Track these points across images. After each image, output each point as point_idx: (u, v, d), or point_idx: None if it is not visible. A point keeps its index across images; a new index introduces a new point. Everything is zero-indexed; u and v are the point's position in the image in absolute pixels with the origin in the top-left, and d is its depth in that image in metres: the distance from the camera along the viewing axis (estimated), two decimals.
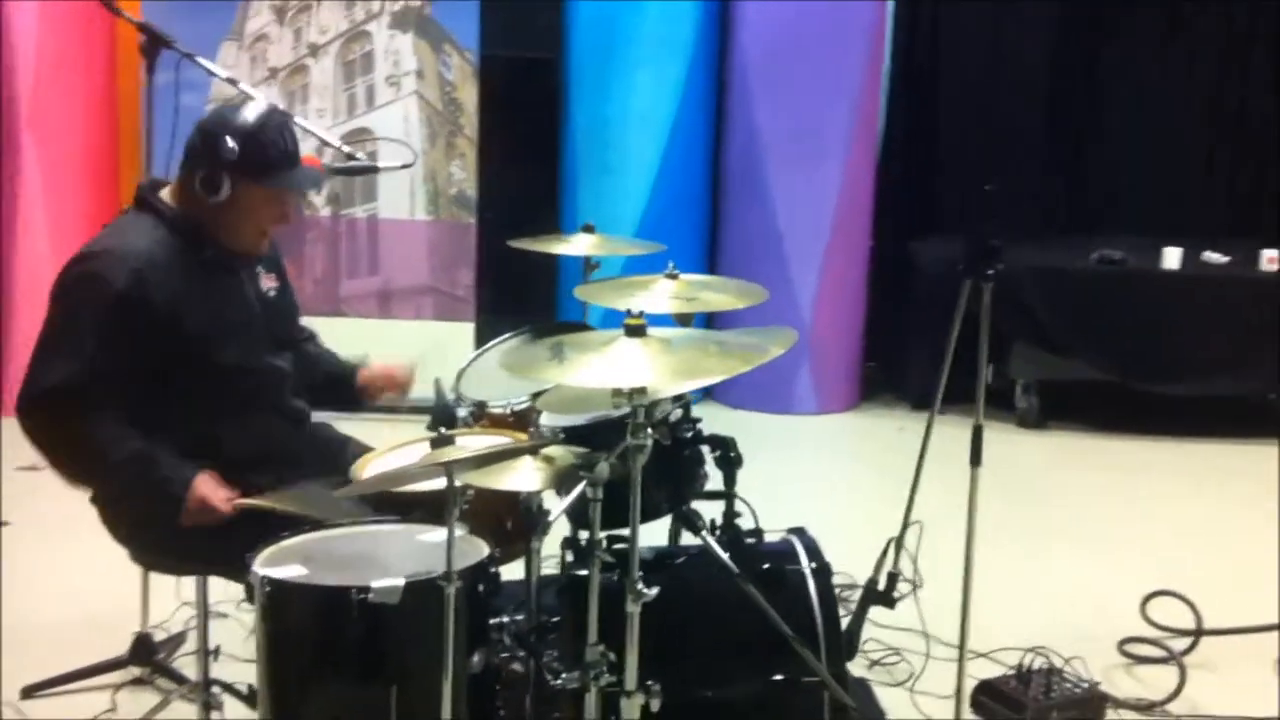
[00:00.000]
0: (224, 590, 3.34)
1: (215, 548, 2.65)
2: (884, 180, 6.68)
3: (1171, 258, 6.09)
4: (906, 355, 6.60)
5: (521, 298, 6.74)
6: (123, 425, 2.63)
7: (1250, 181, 7.13)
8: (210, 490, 2.63)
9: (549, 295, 6.64)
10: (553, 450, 2.62)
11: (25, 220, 5.79)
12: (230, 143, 2.67)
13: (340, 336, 3.32)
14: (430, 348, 5.83)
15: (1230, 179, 7.16)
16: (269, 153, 2.69)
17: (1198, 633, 3.63)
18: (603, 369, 2.23)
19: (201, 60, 3.48)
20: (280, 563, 2.45)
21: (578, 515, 2.90)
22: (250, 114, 2.73)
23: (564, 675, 2.51)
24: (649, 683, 2.39)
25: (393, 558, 2.53)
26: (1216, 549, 4.63)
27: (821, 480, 5.54)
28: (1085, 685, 3.30)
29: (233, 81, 3.42)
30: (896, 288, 6.79)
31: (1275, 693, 3.48)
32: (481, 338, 5.89)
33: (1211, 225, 7.02)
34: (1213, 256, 6.21)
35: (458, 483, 2.29)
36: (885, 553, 3.30)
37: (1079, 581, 4.29)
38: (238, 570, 2.52)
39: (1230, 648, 3.68)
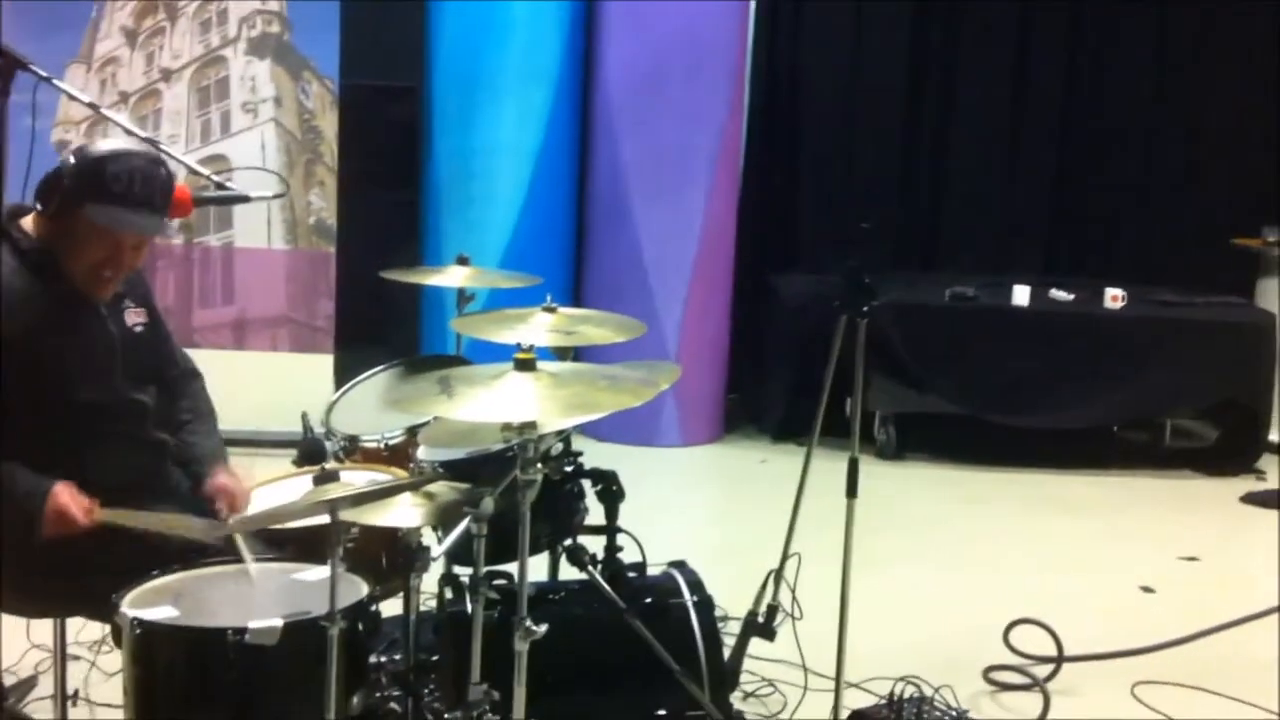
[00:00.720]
0: (77, 632, 3.22)
1: (76, 588, 2.54)
2: (744, 213, 6.77)
3: (1021, 295, 6.29)
4: (766, 388, 6.70)
5: (382, 329, 6.64)
6: None
7: (1097, 221, 7.43)
8: (69, 499, 2.53)
9: (411, 327, 6.56)
10: (432, 485, 2.57)
11: None
12: (72, 160, 2.60)
13: None
14: (288, 380, 5.77)
15: (1078, 218, 7.45)
16: (103, 183, 2.58)
17: (1059, 659, 3.72)
18: (493, 403, 2.20)
19: (60, 83, 3.35)
20: (150, 603, 2.35)
21: (454, 551, 2.86)
22: (111, 145, 2.65)
23: (446, 715, 2.46)
24: None
25: (266, 597, 2.45)
26: (1070, 576, 4.77)
27: (689, 512, 5.57)
28: (954, 713, 3.35)
29: (94, 106, 3.29)
30: (756, 320, 6.89)
31: (1135, 716, 3.58)
32: (341, 370, 5.79)
33: (1059, 264, 7.31)
34: (1059, 294, 6.43)
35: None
36: (765, 584, 3.31)
37: (943, 610, 4.38)
38: (102, 611, 2.41)
39: (1090, 673, 3.79)
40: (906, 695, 3.35)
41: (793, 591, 3.30)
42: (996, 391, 6.26)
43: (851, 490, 2.94)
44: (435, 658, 2.89)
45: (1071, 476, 6.18)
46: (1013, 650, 3.84)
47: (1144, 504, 5.82)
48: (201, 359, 3.14)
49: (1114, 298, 6.29)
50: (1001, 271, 6.89)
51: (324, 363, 5.94)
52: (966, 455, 6.34)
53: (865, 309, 2.94)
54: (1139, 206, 7.43)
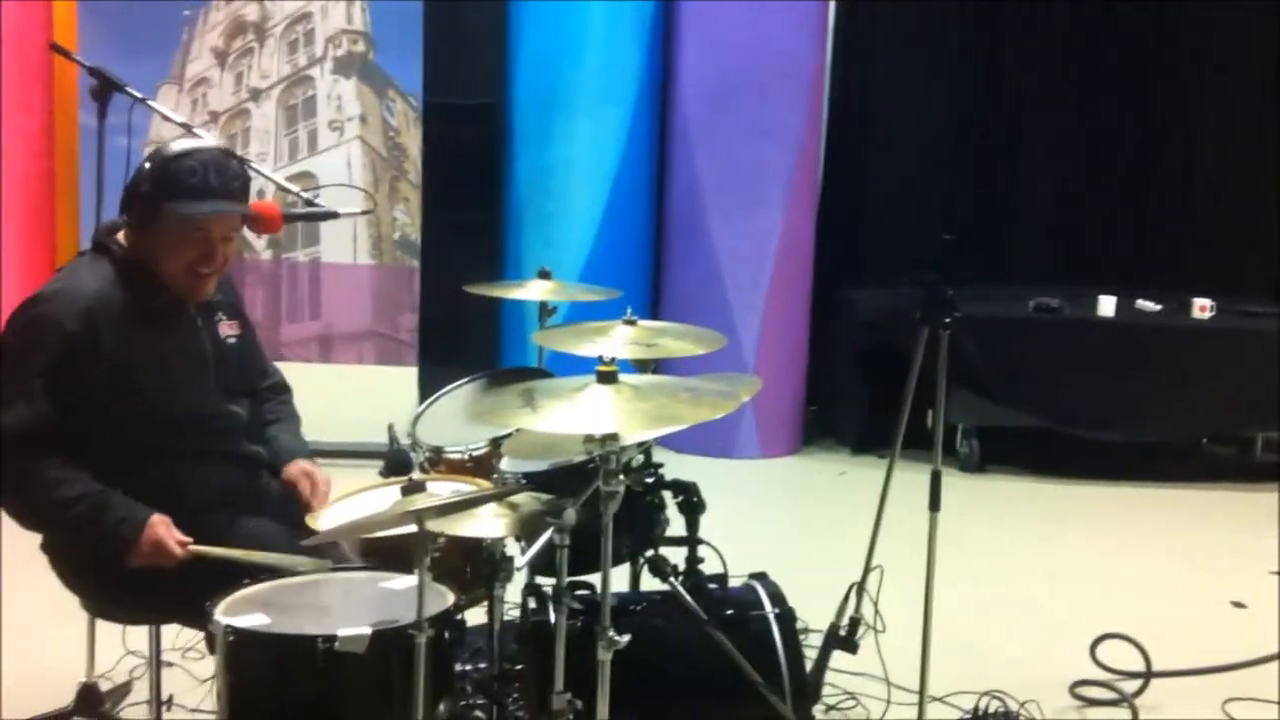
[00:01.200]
0: (171, 639, 3.30)
1: (171, 596, 2.60)
2: (821, 227, 6.76)
3: (1106, 306, 6.21)
4: (844, 400, 6.68)
5: (464, 343, 6.72)
6: (75, 468, 2.59)
7: (1184, 231, 7.30)
8: (164, 533, 2.59)
9: (492, 340, 6.63)
10: (516, 496, 2.60)
11: None
12: (147, 165, 2.67)
13: None
14: (373, 393, 5.86)
15: (1164, 228, 7.33)
16: (179, 178, 2.64)
17: (1148, 675, 3.67)
18: (576, 415, 2.23)
19: (154, 104, 3.46)
20: (241, 611, 2.41)
21: (536, 562, 2.89)
22: (179, 145, 2.72)
23: None
24: None
25: (354, 605, 2.50)
26: (1158, 592, 4.70)
27: (769, 524, 5.56)
28: None
29: (186, 126, 3.39)
30: (833, 333, 6.87)
31: None
32: (424, 382, 5.87)
33: (1145, 274, 7.19)
34: (1146, 305, 6.34)
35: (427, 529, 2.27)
36: (847, 597, 3.31)
37: (1028, 624, 4.33)
38: (195, 618, 2.48)
39: (1179, 689, 3.72)
40: (991, 710, 3.33)
41: (875, 604, 3.30)
42: (1081, 404, 6.18)
43: (935, 503, 2.93)
44: (518, 667, 2.92)
45: (1158, 490, 6.07)
46: (1100, 665, 3.79)
47: (1234, 518, 5.70)
48: (289, 372, 3.21)
49: (1202, 308, 6.19)
50: (1080, 284, 6.81)
51: (408, 375, 6.02)
52: (1050, 468, 6.26)
53: (947, 321, 2.93)
54: (1224, 216, 7.28)
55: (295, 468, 2.92)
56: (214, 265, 2.76)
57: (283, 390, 3.12)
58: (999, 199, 7.30)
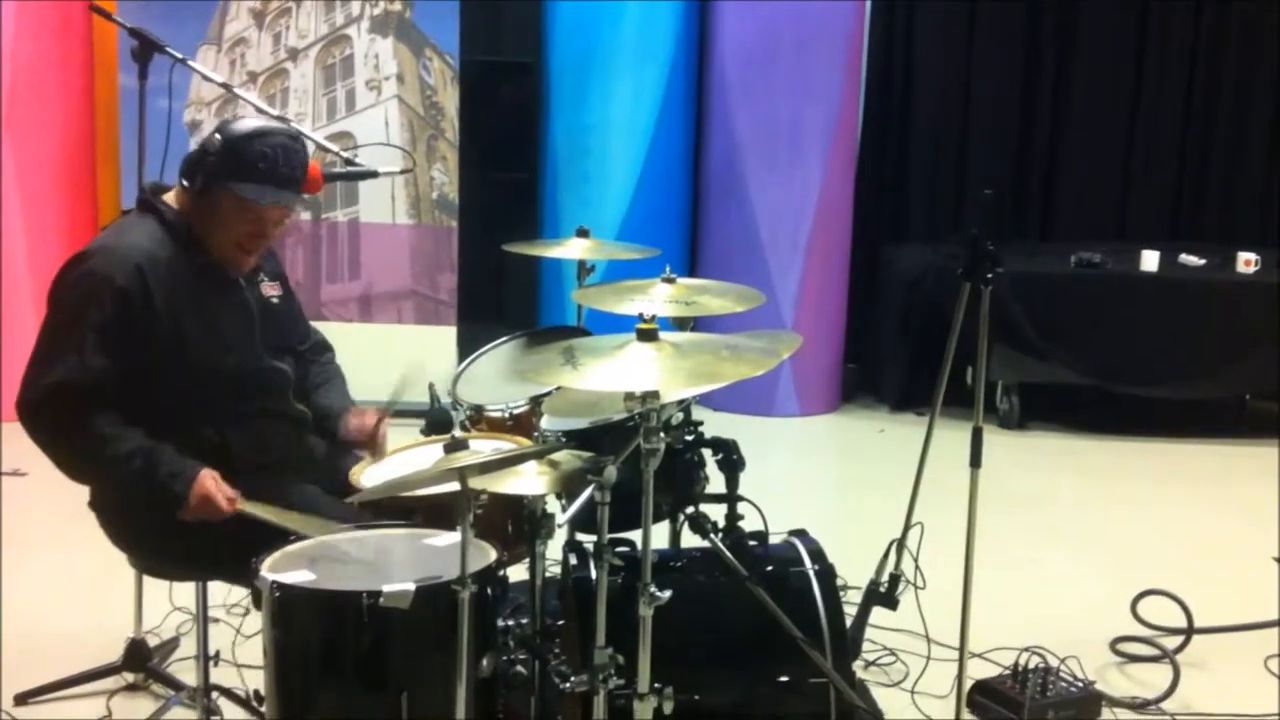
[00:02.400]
0: (216, 595, 3.35)
1: (218, 552, 2.63)
2: (861, 185, 6.72)
3: (1149, 260, 6.15)
4: (883, 358, 6.66)
5: (502, 302, 6.75)
6: (124, 423, 2.62)
7: (1227, 184, 7.20)
8: (213, 488, 2.62)
9: (530, 299, 6.65)
10: (557, 454, 2.61)
11: (1, 224, 5.73)
12: (217, 138, 2.68)
13: None
14: (413, 352, 5.89)
15: (1207, 181, 7.23)
16: (249, 161, 2.66)
17: (1189, 631, 3.66)
18: (617, 373, 2.23)
19: (194, 64, 3.47)
20: (287, 568, 2.43)
21: (576, 519, 2.90)
22: (252, 124, 2.72)
23: (572, 678, 2.50)
24: (657, 685, 2.39)
25: (398, 562, 2.52)
26: (1200, 548, 4.68)
27: (808, 482, 5.57)
28: (1080, 684, 3.32)
29: (227, 86, 3.41)
30: (872, 291, 6.84)
31: (1267, 690, 3.51)
32: (463, 341, 5.90)
33: (1189, 228, 7.11)
34: (1190, 259, 6.27)
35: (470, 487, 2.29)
36: (887, 554, 3.31)
37: (1068, 581, 4.33)
38: (240, 575, 2.51)
39: (1222, 646, 3.71)
40: (1031, 666, 3.33)
41: (915, 561, 3.30)
42: (1123, 360, 6.14)
43: (975, 460, 2.92)
44: (559, 622, 2.94)
45: (1201, 446, 6.04)
46: (1141, 622, 3.78)
47: (1276, 474, 5.66)
48: (329, 332, 3.23)
49: (1246, 262, 6.11)
50: (1123, 238, 6.74)
51: (447, 335, 6.05)
52: (1091, 425, 6.23)
53: (989, 276, 2.90)
54: (1270, 169, 7.18)
55: (352, 424, 2.96)
56: (263, 245, 2.82)
57: (325, 349, 3.15)
58: (1041, 154, 7.22)
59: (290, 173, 2.70)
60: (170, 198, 2.78)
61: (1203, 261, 6.25)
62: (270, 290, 2.91)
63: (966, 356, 3.09)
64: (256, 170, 2.66)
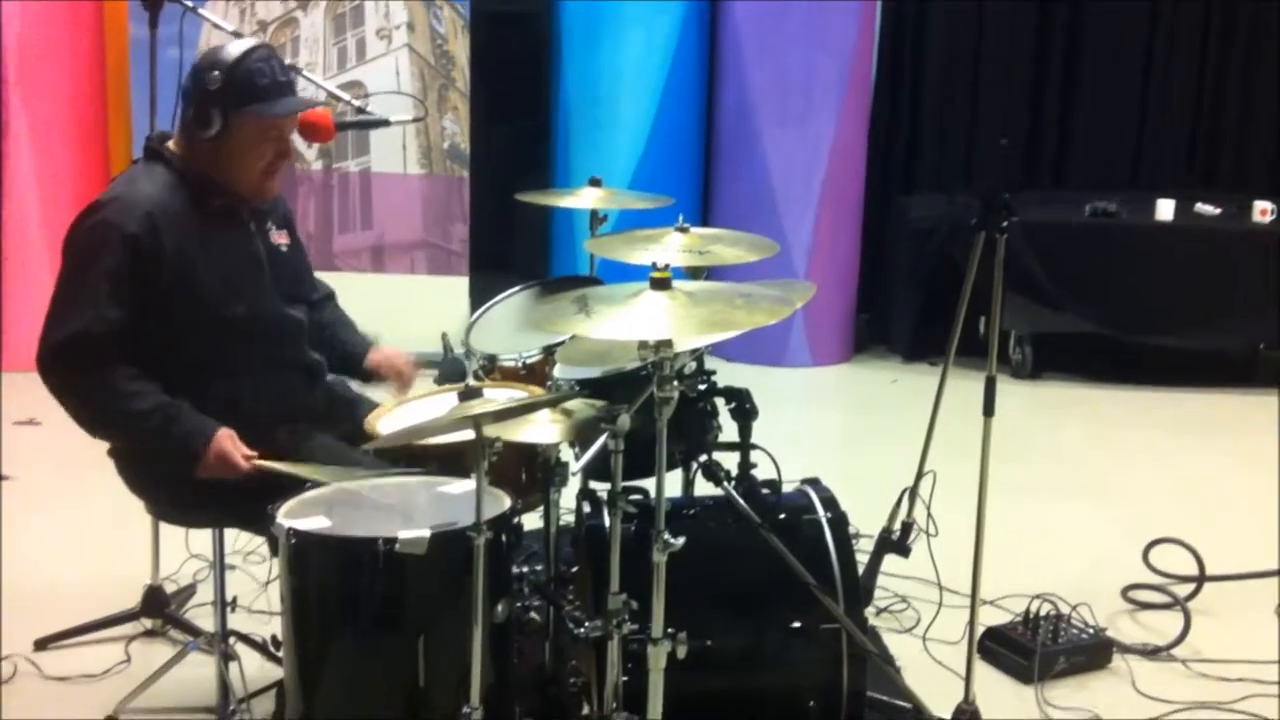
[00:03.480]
0: (232, 543, 3.38)
1: (235, 500, 2.65)
2: (874, 134, 6.68)
3: (1165, 209, 6.11)
4: (896, 308, 6.65)
5: (514, 252, 6.74)
6: (143, 378, 2.62)
7: (1243, 132, 7.14)
8: (230, 447, 2.62)
9: (542, 249, 6.63)
10: (570, 403, 2.62)
11: (12, 179, 5.74)
12: (215, 74, 2.66)
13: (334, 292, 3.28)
14: (425, 302, 5.90)
15: (1223, 130, 7.17)
16: (254, 80, 2.67)
17: (1200, 579, 3.67)
18: (631, 322, 2.23)
19: (204, 12, 3.45)
20: (303, 515, 2.45)
21: (589, 468, 2.92)
22: (234, 49, 2.71)
23: (586, 624, 2.52)
24: (670, 630, 2.41)
25: (414, 509, 2.54)
26: (1212, 497, 4.68)
27: (820, 432, 5.58)
28: (1091, 631, 3.34)
29: (238, 35, 3.38)
30: (884, 241, 6.82)
31: (1277, 637, 3.52)
32: (475, 291, 5.90)
33: (1204, 177, 7.06)
34: (1205, 208, 6.23)
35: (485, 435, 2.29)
36: (899, 502, 3.32)
37: (1079, 529, 4.34)
38: (258, 522, 2.53)
39: (1232, 593, 3.73)
40: (1043, 613, 3.34)
41: (928, 508, 3.31)
42: (1138, 310, 6.12)
43: (989, 408, 2.91)
44: (573, 569, 2.96)
45: (1214, 396, 6.03)
46: (1153, 570, 3.80)
47: None
48: (342, 282, 3.23)
49: (1263, 211, 6.08)
50: (1138, 188, 6.69)
51: (459, 285, 6.05)
52: (1104, 375, 6.23)
53: (1004, 225, 2.89)
54: None
55: (377, 356, 3.00)
56: (289, 160, 2.83)
57: (330, 297, 3.16)
58: (1054, 103, 7.16)
59: (287, 77, 2.75)
60: (172, 146, 2.78)
61: (1218, 211, 6.22)
62: (279, 238, 2.91)
63: (979, 306, 3.08)
64: (264, 87, 2.68)
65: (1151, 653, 3.39)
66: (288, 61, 3.22)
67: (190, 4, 3.33)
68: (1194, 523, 4.13)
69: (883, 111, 6.93)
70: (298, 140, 2.94)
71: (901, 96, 7.09)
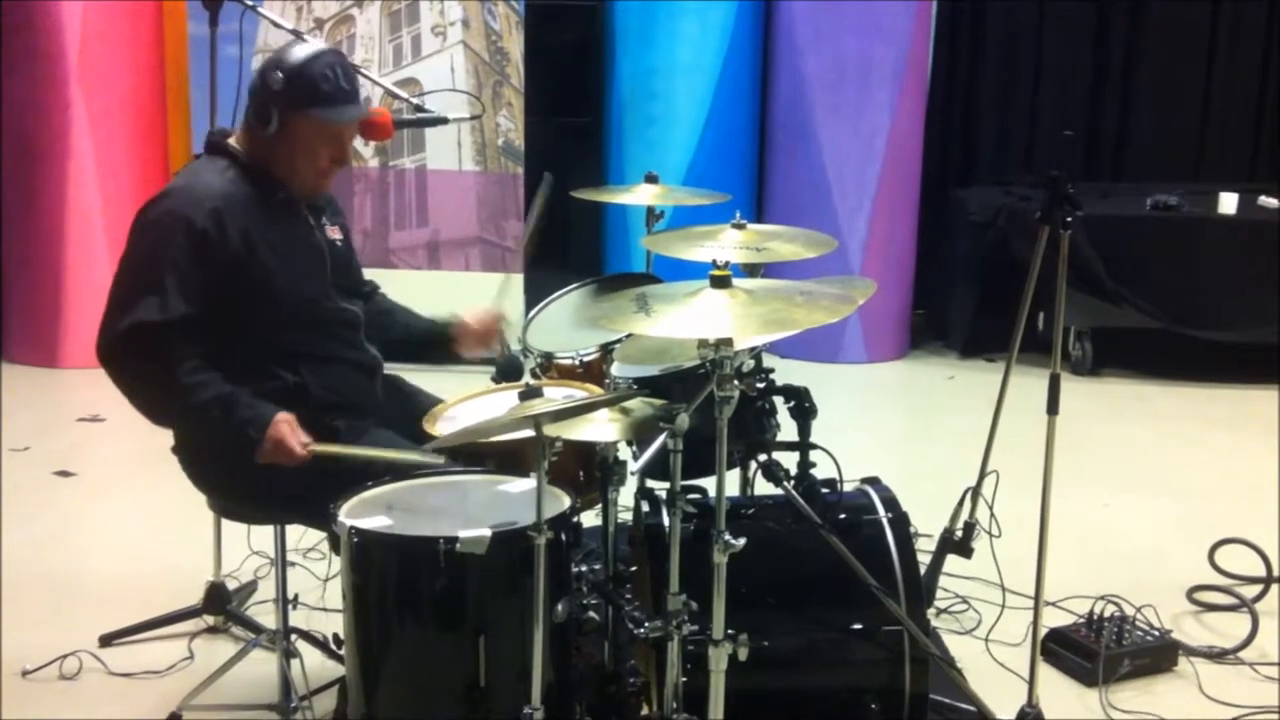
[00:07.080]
0: (293, 540, 3.39)
1: (298, 496, 2.66)
2: (930, 126, 6.62)
3: (1228, 203, 6.01)
4: (953, 304, 6.58)
5: (568, 248, 6.74)
6: (204, 369, 2.64)
7: None
8: (287, 432, 2.63)
9: (595, 245, 6.63)
10: (629, 401, 2.61)
11: (75, 173, 5.81)
12: (278, 74, 2.69)
13: (390, 289, 3.29)
14: (480, 300, 5.89)
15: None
16: (316, 85, 2.69)
17: (1268, 580, 3.61)
18: (691, 320, 2.22)
19: (263, 11, 3.47)
20: (365, 513, 2.46)
21: (648, 467, 2.90)
22: (300, 51, 2.74)
23: (646, 624, 2.51)
24: (731, 631, 2.39)
25: (475, 508, 2.54)
26: (1276, 495, 4.59)
27: (878, 429, 5.53)
28: (1157, 633, 3.29)
29: (296, 33, 3.40)
30: (941, 235, 6.76)
31: None
32: (530, 288, 5.89)
33: (1267, 169, 6.94)
34: (1269, 201, 6.13)
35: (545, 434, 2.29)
36: (961, 502, 3.29)
37: (1142, 529, 4.28)
38: (319, 519, 2.54)
39: None
40: (1107, 614, 3.30)
41: (991, 509, 3.27)
42: (1200, 305, 6.02)
43: (1053, 406, 2.87)
44: (632, 569, 2.95)
45: (1273, 392, 5.91)
46: (1219, 570, 3.73)
47: None
48: (398, 279, 3.25)
49: None
50: (1201, 180, 6.58)
51: (514, 282, 6.04)
52: (1165, 370, 6.14)
53: (1068, 220, 2.85)
54: None
55: (462, 325, 3.08)
56: (345, 165, 2.87)
57: (378, 289, 3.18)
58: (1115, 94, 7.06)
59: (352, 86, 2.76)
60: (234, 141, 2.80)
61: None
62: (334, 234, 2.93)
63: (1038, 302, 3.04)
64: (327, 93, 2.70)
65: (1218, 656, 3.33)
66: (290, 25, 3.24)
67: (250, 2, 3.35)
68: (1259, 522, 4.05)
69: (939, 102, 6.87)
70: (356, 139, 2.95)
71: (959, 87, 7.02)
